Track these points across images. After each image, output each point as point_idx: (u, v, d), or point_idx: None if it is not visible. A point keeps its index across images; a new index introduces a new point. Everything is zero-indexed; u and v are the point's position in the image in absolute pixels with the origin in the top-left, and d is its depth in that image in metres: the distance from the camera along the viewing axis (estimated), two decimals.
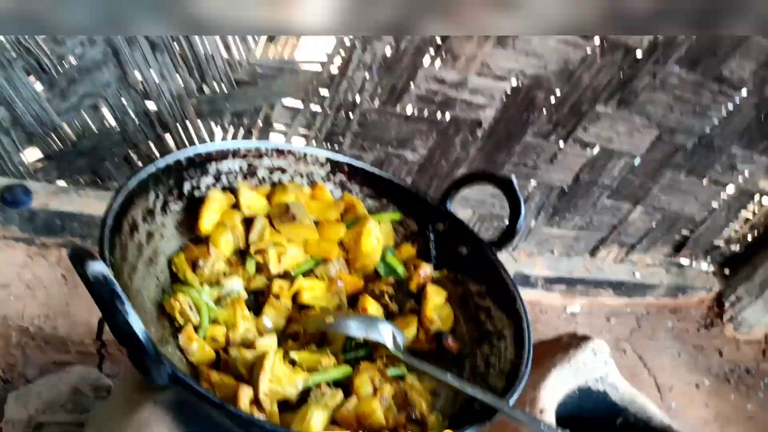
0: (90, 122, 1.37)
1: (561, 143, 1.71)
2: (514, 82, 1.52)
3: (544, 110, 1.60)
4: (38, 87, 1.28)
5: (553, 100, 1.59)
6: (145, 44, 1.24)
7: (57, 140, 1.38)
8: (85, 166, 1.44)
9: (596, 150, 1.76)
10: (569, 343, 1.50)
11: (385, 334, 0.79)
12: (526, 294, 1.84)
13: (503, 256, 1.51)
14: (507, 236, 0.92)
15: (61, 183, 1.46)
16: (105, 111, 1.36)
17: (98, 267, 0.46)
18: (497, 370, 0.80)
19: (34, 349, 1.33)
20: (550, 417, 1.31)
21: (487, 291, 0.91)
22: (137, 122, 1.37)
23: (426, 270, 0.93)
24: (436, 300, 0.91)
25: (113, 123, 1.38)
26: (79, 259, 0.46)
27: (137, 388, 0.74)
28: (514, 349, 0.80)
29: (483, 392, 0.69)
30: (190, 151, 0.81)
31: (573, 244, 2.06)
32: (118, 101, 1.33)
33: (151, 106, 1.36)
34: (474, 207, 1.78)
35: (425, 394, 0.78)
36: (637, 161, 1.84)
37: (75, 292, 1.38)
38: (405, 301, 0.92)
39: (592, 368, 1.35)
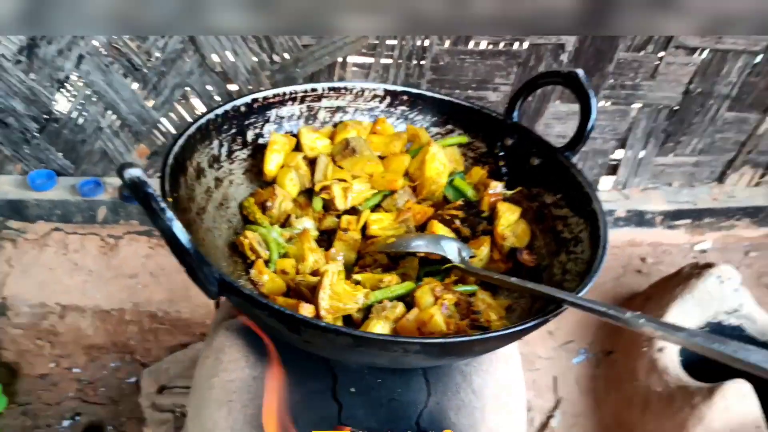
0: (183, 113, 1.48)
1: (661, 53, 1.54)
2: None
3: None
4: (134, 86, 1.41)
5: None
6: None
7: (159, 135, 1.52)
8: None
9: (705, 54, 1.56)
10: (690, 274, 1.35)
11: (448, 248, 0.76)
12: (643, 234, 1.70)
13: (604, 197, 1.40)
14: (578, 137, 0.85)
15: None
16: (194, 100, 1.47)
17: (135, 172, 0.50)
18: (574, 274, 0.74)
19: (164, 333, 1.47)
20: (672, 358, 1.19)
21: (562, 198, 0.84)
22: None
23: (495, 188, 0.89)
24: (508, 217, 0.86)
25: (203, 109, 1.48)
26: (120, 168, 0.50)
27: (215, 323, 0.79)
28: (590, 249, 0.73)
29: (548, 288, 0.64)
30: (247, 98, 0.84)
31: (694, 172, 1.85)
32: (203, 87, 1.42)
33: (231, 87, 1.44)
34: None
35: (497, 308, 0.74)
36: (758, 58, 1.60)
37: None
38: (478, 224, 0.88)
39: (720, 298, 1.20)
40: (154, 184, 0.53)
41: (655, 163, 1.78)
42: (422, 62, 1.44)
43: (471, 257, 0.78)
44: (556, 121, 1.62)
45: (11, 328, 1.36)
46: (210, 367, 0.69)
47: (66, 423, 1.30)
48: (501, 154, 0.95)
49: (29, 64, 1.34)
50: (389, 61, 1.43)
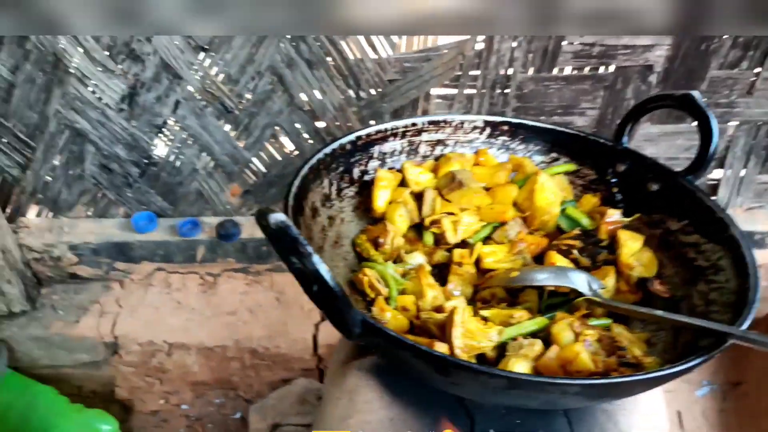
0: (273, 152, 1.53)
1: (757, 69, 1.47)
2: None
3: (726, 34, 1.40)
4: (227, 128, 1.47)
5: None
6: (303, 64, 1.35)
7: (251, 174, 1.56)
8: (276, 194, 1.60)
9: None
10: None
11: (577, 280, 0.74)
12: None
13: None
14: (700, 161, 0.81)
15: None
16: (283, 138, 1.51)
17: (279, 217, 0.51)
18: (721, 305, 0.70)
19: (264, 369, 1.50)
20: None
21: (690, 224, 0.81)
22: (311, 141, 1.49)
23: (613, 215, 0.86)
24: (631, 245, 0.83)
25: (292, 147, 1.52)
26: (262, 214, 0.51)
27: (342, 363, 0.79)
28: (737, 278, 0.69)
29: (707, 322, 0.61)
30: (351, 136, 0.86)
31: None
32: (291, 125, 1.46)
33: (320, 124, 1.47)
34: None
35: (639, 343, 0.71)
36: None
37: (289, 313, 1.53)
38: (597, 253, 0.85)
39: None
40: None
41: (758, 182, 1.68)
42: (506, 91, 1.43)
43: (601, 289, 0.76)
44: (647, 143, 1.56)
45: (123, 366, 1.42)
46: (344, 408, 0.69)
47: None
48: (613, 180, 0.92)
49: (130, 111, 1.42)
50: (473, 91, 1.43)
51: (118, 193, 1.54)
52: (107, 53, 1.32)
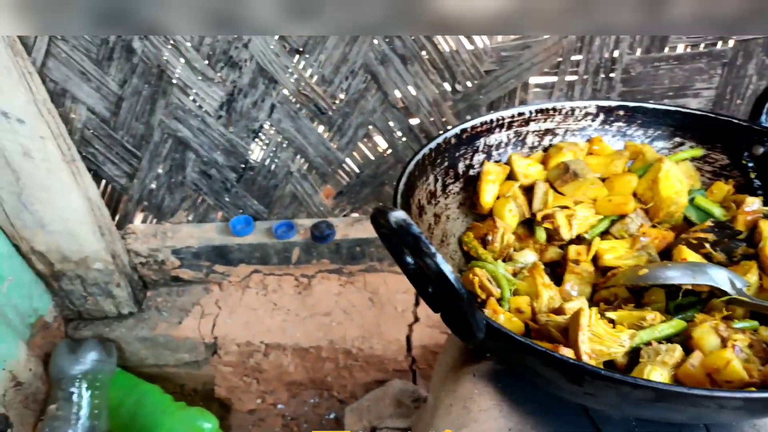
0: (366, 151, 1.51)
1: None
2: None
3: None
4: (320, 129, 1.47)
5: None
6: (397, 60, 1.32)
7: (344, 175, 1.56)
8: (369, 194, 1.58)
9: None
10: None
11: (719, 277, 0.65)
12: None
13: None
14: None
15: (355, 215, 1.63)
16: (376, 138, 1.49)
17: (400, 215, 0.47)
18: None
19: (357, 369, 1.49)
20: None
21: None
22: (404, 140, 1.47)
23: (752, 204, 0.77)
24: None
25: (384, 146, 1.50)
26: (381, 213, 0.48)
27: (453, 367, 0.75)
28: None
29: None
30: (456, 129, 0.82)
31: None
32: (385, 124, 1.44)
33: (413, 121, 1.44)
34: None
35: None
36: None
37: (382, 313, 1.51)
38: (734, 248, 0.76)
39: None
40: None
41: None
42: (611, 75, 1.33)
43: (746, 287, 0.67)
44: None
45: (222, 366, 1.46)
46: (457, 416, 0.65)
47: None
48: (750, 165, 0.82)
49: (228, 118, 1.45)
50: (574, 78, 1.34)
51: (216, 198, 1.59)
52: (207, 62, 1.36)
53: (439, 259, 0.48)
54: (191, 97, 1.42)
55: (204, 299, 1.58)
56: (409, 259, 0.56)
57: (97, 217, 1.48)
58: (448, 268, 0.48)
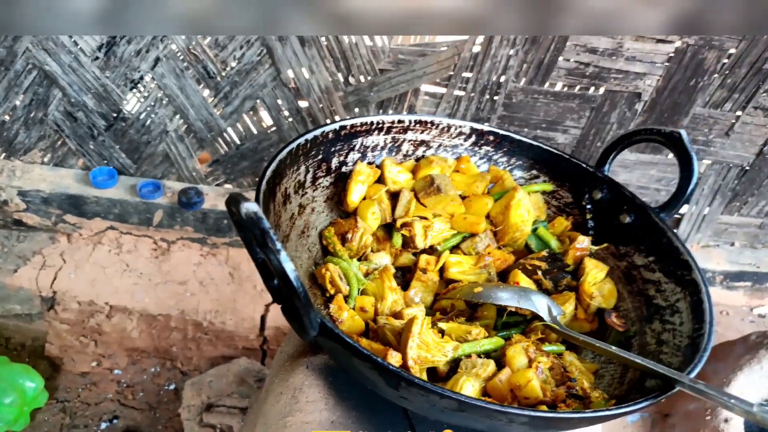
0: (250, 124, 1.48)
1: (738, 112, 1.50)
2: (677, 43, 1.36)
3: (716, 74, 1.42)
4: (206, 93, 1.41)
5: (725, 60, 1.39)
6: (295, 41, 1.30)
7: (223, 144, 1.51)
8: (247, 168, 1.55)
9: None
10: (759, 343, 1.29)
11: (539, 304, 0.73)
12: None
13: None
14: (676, 199, 0.81)
15: (228, 186, 1.59)
16: (262, 113, 1.47)
17: (252, 207, 0.48)
18: (672, 347, 0.70)
19: (206, 343, 1.46)
20: (739, 430, 1.14)
21: (655, 262, 0.81)
22: (290, 120, 1.45)
23: (582, 242, 0.86)
24: (595, 274, 0.83)
25: (270, 122, 1.48)
26: (234, 201, 0.48)
27: (290, 356, 0.77)
28: (692, 322, 0.69)
29: (658, 365, 0.60)
30: (336, 125, 0.83)
31: (758, 234, 1.79)
32: (273, 101, 1.42)
33: (302, 104, 1.43)
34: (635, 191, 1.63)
35: (587, 373, 0.71)
36: None
37: (240, 289, 1.49)
38: (560, 278, 0.85)
39: None
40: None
41: (718, 221, 1.72)
42: (495, 97, 1.41)
43: (560, 315, 0.75)
44: (621, 169, 1.58)
45: (58, 323, 1.36)
46: (285, 405, 0.67)
47: (104, 425, 1.29)
48: (588, 206, 0.92)
49: (106, 61, 1.35)
50: (461, 93, 1.41)
51: (79, 143, 1.47)
52: None
53: (283, 256, 0.49)
54: None
55: (47, 249, 1.46)
56: (259, 251, 0.57)
57: None
58: (290, 267, 0.50)
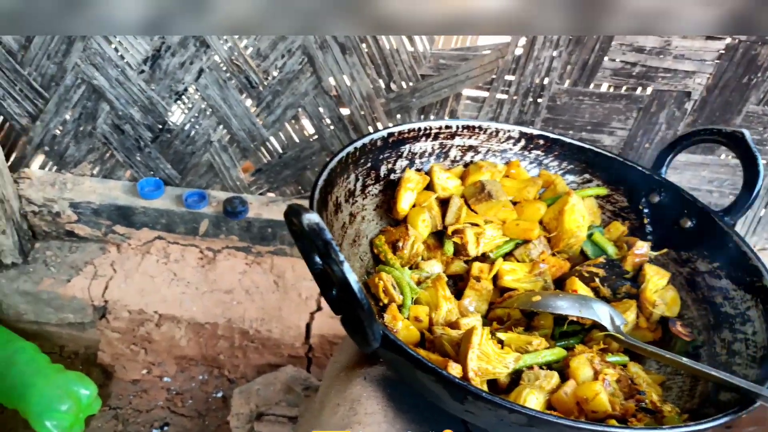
0: (292, 133, 1.49)
1: None
2: (728, 39, 1.31)
3: None
4: (248, 103, 1.43)
5: None
6: (336, 48, 1.30)
7: (266, 153, 1.52)
8: (289, 176, 1.56)
9: None
10: None
11: (601, 313, 0.70)
12: None
13: None
14: (742, 202, 0.78)
15: (271, 195, 1.60)
16: (304, 121, 1.47)
17: (314, 218, 0.47)
18: (746, 358, 0.67)
19: (252, 351, 1.47)
20: None
21: (721, 268, 0.77)
22: (332, 128, 1.45)
23: (642, 248, 0.83)
24: (656, 281, 0.80)
25: (311, 131, 1.48)
26: (295, 213, 0.48)
27: (347, 367, 0.76)
28: (767, 332, 0.66)
29: (736, 378, 0.58)
30: (384, 132, 0.82)
31: None
32: (315, 109, 1.42)
33: (344, 111, 1.43)
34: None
35: (655, 386, 0.68)
36: None
37: (285, 297, 1.49)
38: (619, 285, 0.82)
39: None
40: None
41: None
42: (539, 100, 1.39)
43: (623, 324, 0.72)
44: (671, 171, 1.52)
45: (110, 331, 1.39)
46: (342, 417, 0.66)
47: None
48: (646, 210, 0.89)
49: (151, 74, 1.38)
50: (504, 96, 1.39)
51: (127, 155, 1.51)
52: None
53: (346, 267, 0.48)
54: (113, 45, 1.33)
55: (99, 259, 1.49)
56: (318, 260, 0.56)
57: None
58: (353, 278, 0.49)
